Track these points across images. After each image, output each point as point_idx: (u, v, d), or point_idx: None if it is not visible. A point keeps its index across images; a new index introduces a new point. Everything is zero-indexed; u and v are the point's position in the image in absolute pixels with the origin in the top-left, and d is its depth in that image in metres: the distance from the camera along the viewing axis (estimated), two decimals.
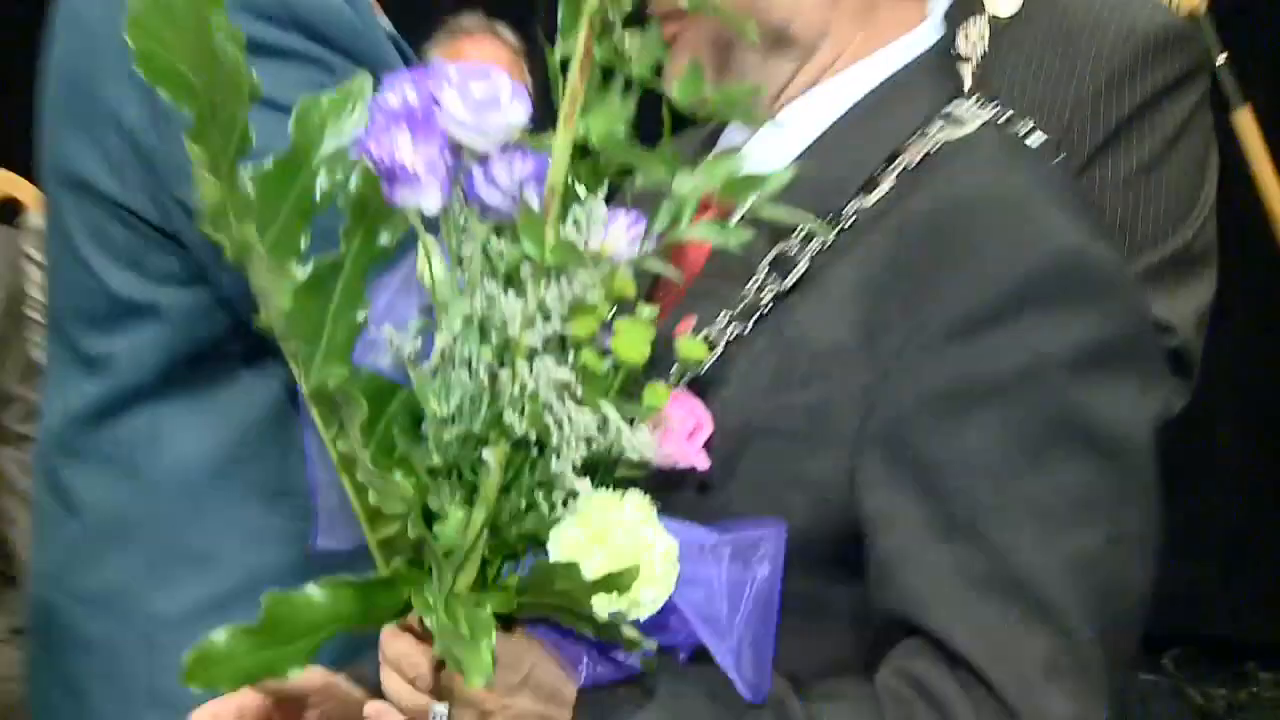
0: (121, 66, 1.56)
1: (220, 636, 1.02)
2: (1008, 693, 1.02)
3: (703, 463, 1.06)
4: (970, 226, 1.11)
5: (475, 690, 1.00)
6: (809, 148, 1.17)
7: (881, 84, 1.19)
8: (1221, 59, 2.81)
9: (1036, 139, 1.22)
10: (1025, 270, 1.08)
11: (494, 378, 0.98)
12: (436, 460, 1.02)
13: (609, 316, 0.99)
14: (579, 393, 0.99)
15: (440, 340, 1.00)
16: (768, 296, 1.13)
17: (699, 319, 1.14)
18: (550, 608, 1.04)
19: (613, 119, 1.02)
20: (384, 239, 1.03)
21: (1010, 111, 1.23)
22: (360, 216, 1.03)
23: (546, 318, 0.97)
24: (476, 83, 0.96)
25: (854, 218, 1.13)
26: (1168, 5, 2.51)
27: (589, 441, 0.99)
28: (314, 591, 1.05)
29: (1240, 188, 3.06)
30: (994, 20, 1.96)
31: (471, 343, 0.99)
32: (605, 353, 0.99)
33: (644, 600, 0.99)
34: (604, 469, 1.03)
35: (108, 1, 1.70)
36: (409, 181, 0.97)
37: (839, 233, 1.14)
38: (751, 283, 1.12)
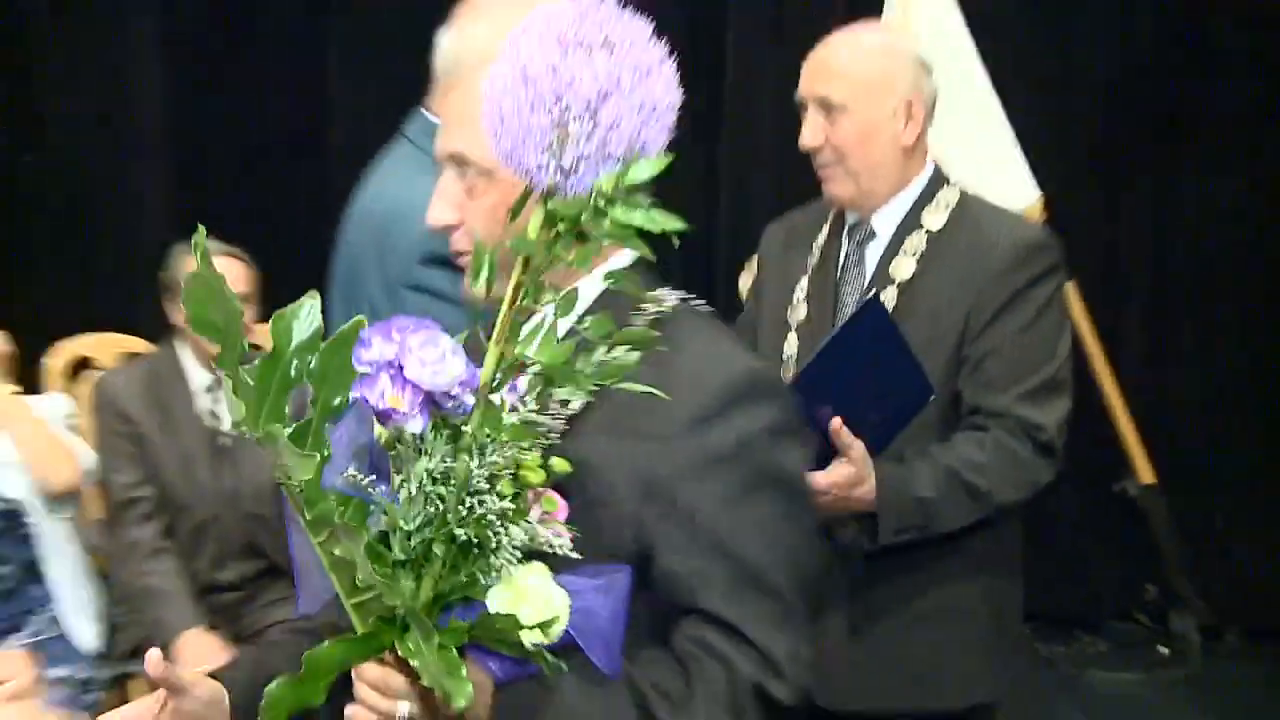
0: (372, 271, 2.20)
1: (273, 687, 1.25)
2: (757, 640, 1.36)
3: (564, 533, 1.30)
4: (677, 367, 1.39)
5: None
6: (577, 321, 1.40)
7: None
8: None
9: (705, 308, 1.56)
10: (725, 384, 1.41)
11: (446, 506, 1.18)
12: (399, 555, 1.21)
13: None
14: (511, 515, 1.21)
15: (413, 485, 1.19)
16: (560, 422, 1.41)
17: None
18: (484, 639, 1.26)
19: (554, 351, 1.20)
20: (337, 401, 1.23)
21: (693, 296, 1.55)
22: (321, 388, 1.22)
23: (484, 467, 1.18)
24: (427, 349, 1.14)
25: None
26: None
27: (519, 547, 1.22)
28: (329, 645, 1.25)
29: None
30: (929, 233, 2.33)
31: (429, 487, 1.18)
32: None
33: (553, 635, 1.24)
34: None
35: (361, 230, 2.26)
36: (398, 418, 1.15)
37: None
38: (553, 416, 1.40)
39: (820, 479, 2.08)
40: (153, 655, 1.34)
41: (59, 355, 3.54)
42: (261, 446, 1.21)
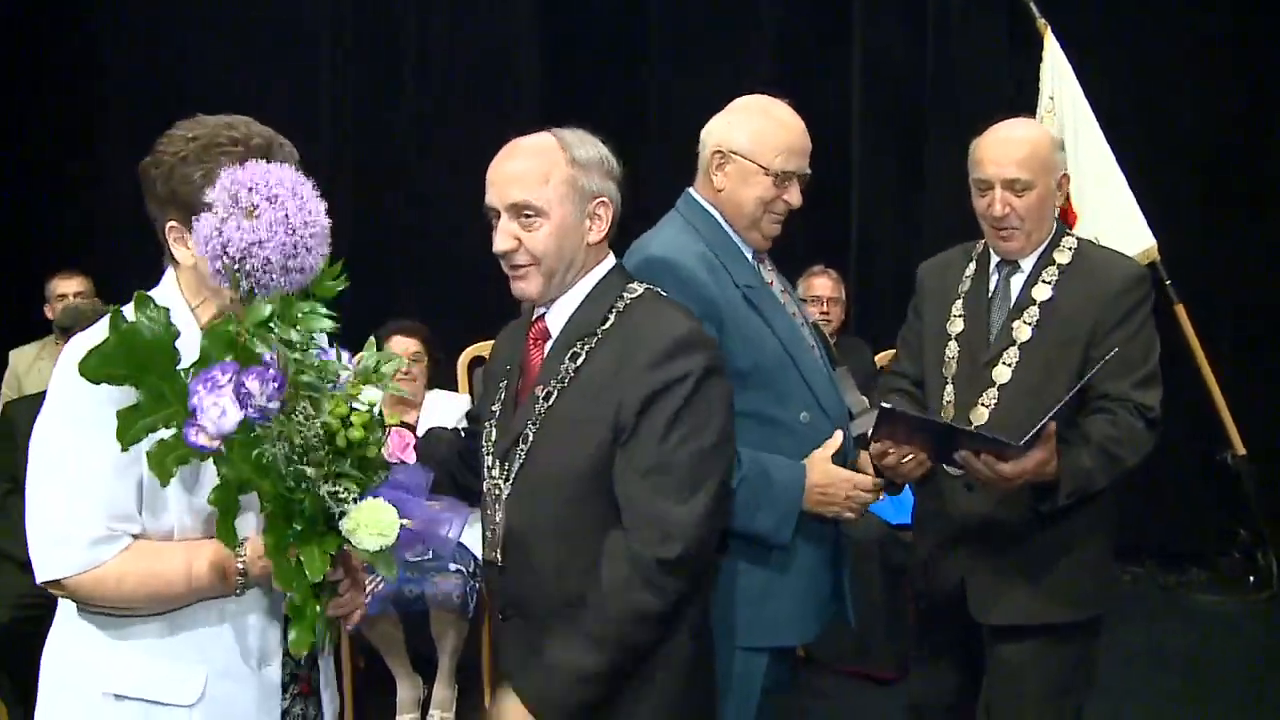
0: None
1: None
2: (654, 513, 1.79)
3: (411, 458, 1.82)
4: (643, 329, 1.87)
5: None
6: (577, 308, 1.95)
7: (602, 279, 1.98)
8: (1168, 283, 4.75)
9: (660, 291, 2.00)
10: (667, 343, 1.85)
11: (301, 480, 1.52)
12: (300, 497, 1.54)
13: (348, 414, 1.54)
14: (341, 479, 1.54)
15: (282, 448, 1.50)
16: (569, 370, 1.89)
17: (539, 387, 1.91)
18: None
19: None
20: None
21: (656, 287, 2.01)
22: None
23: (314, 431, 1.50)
24: (209, 394, 1.45)
25: (598, 335, 1.91)
26: (1137, 257, 4.05)
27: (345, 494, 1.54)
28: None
29: (1174, 347, 4.66)
30: (1059, 266, 2.54)
31: (287, 468, 1.51)
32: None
33: (387, 538, 1.57)
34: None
35: (630, 259, 2.31)
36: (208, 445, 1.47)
37: (596, 342, 1.91)
38: (563, 369, 1.90)
39: (1028, 463, 2.29)
40: None
41: (465, 355, 4.33)
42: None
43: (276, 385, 1.47)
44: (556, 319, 1.97)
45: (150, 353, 1.52)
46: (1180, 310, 4.93)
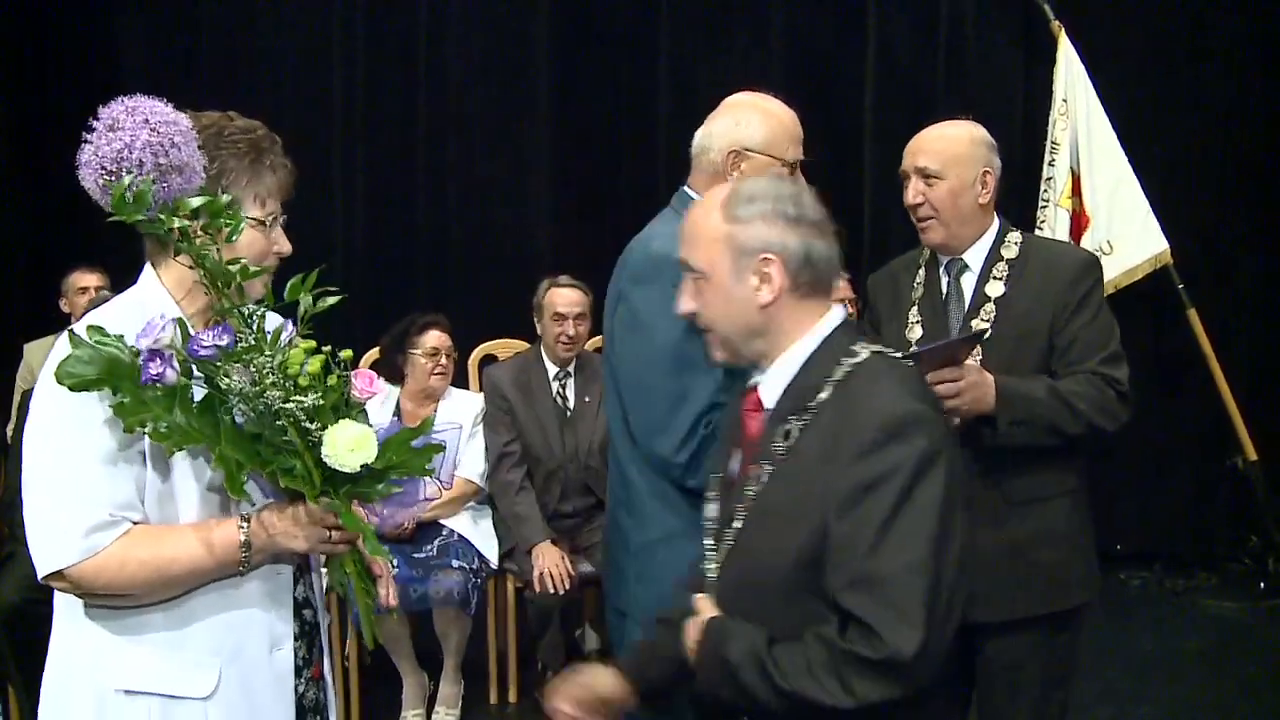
0: (615, 284, 2.47)
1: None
2: (873, 624, 1.55)
3: (381, 389, 1.69)
4: (856, 407, 1.65)
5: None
6: (793, 379, 1.74)
7: (820, 344, 1.74)
8: (1181, 287, 4.73)
9: (894, 354, 1.78)
10: (881, 423, 1.62)
11: (273, 411, 1.58)
12: (279, 442, 1.61)
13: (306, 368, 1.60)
14: (309, 402, 1.58)
15: (235, 403, 1.58)
16: (781, 449, 1.70)
17: (753, 466, 1.75)
18: (350, 491, 1.65)
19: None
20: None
21: (884, 347, 1.78)
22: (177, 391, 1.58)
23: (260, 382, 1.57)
24: (147, 336, 1.58)
25: (816, 409, 1.69)
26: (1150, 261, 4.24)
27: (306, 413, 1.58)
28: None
29: (1186, 351, 4.81)
30: (1009, 261, 2.56)
31: (244, 402, 1.57)
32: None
33: (367, 453, 1.59)
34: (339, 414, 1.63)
35: (625, 258, 2.47)
36: (166, 376, 1.57)
37: (812, 415, 1.70)
38: (776, 448, 1.71)
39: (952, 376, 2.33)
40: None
41: (475, 354, 4.48)
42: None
43: (223, 329, 1.59)
44: (771, 389, 1.79)
45: (114, 364, 1.58)
46: (1193, 315, 4.90)
